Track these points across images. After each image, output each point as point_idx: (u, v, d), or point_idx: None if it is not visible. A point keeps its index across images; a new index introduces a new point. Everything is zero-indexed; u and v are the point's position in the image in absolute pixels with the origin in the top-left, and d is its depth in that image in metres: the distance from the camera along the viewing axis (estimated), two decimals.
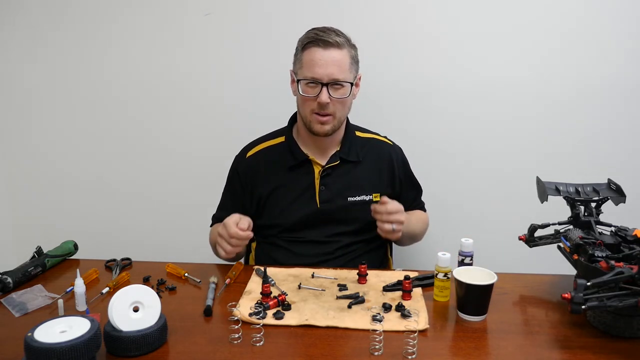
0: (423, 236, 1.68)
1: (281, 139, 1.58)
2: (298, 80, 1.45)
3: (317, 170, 1.53)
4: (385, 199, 1.40)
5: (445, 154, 1.97)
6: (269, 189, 1.54)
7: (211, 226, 1.65)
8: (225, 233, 1.37)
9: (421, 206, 1.71)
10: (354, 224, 1.53)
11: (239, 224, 1.36)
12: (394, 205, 1.39)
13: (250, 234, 1.37)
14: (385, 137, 1.66)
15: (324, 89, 1.41)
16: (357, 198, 1.53)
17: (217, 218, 1.63)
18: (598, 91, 1.87)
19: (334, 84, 1.42)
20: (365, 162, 1.56)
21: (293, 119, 1.60)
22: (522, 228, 1.42)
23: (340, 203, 1.52)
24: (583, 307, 0.98)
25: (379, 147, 1.61)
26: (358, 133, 1.61)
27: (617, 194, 1.32)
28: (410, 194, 1.66)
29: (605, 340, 1.08)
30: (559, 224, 1.36)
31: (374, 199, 1.54)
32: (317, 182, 1.52)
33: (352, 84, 1.45)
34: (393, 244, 1.74)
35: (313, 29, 1.46)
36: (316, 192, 1.51)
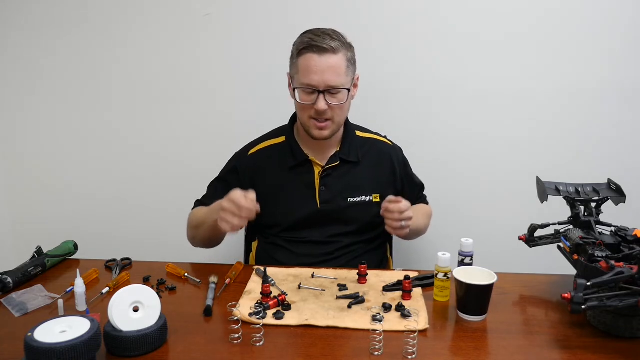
0: (427, 229, 1.67)
1: (282, 138, 1.58)
2: (294, 87, 1.44)
3: (317, 170, 1.53)
4: (396, 198, 1.34)
5: (445, 154, 1.97)
6: (270, 188, 1.53)
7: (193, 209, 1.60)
8: (232, 207, 1.27)
9: (423, 199, 1.71)
10: (354, 225, 1.53)
11: (248, 197, 1.28)
12: (405, 204, 1.34)
13: (258, 207, 1.30)
14: (385, 138, 1.66)
15: (321, 96, 1.40)
16: (357, 199, 1.53)
17: (202, 204, 1.58)
18: (598, 91, 1.87)
19: (331, 90, 1.40)
20: (365, 163, 1.56)
21: (294, 118, 1.60)
22: (522, 228, 1.42)
23: (340, 204, 1.52)
24: (583, 307, 0.98)
25: (379, 147, 1.61)
26: (358, 133, 1.61)
27: (617, 194, 1.32)
28: (412, 193, 1.66)
29: (605, 340, 1.08)
30: (559, 224, 1.36)
31: (374, 200, 1.54)
32: (317, 182, 1.52)
33: (348, 90, 1.43)
34: (394, 243, 1.74)
35: (308, 32, 1.44)
36: (316, 193, 1.51)
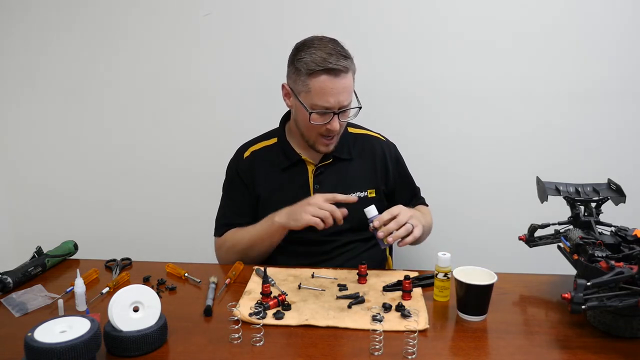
0: (431, 230, 1.64)
1: (274, 140, 1.59)
2: (306, 108, 1.40)
3: (310, 169, 1.53)
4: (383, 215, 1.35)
5: (445, 154, 1.97)
6: (265, 190, 1.54)
7: (219, 235, 1.57)
8: (328, 207, 1.34)
9: (422, 202, 1.70)
10: (350, 222, 1.52)
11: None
12: (396, 209, 1.34)
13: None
14: (379, 134, 1.66)
15: (335, 117, 1.41)
16: (352, 195, 1.52)
17: (227, 225, 1.56)
18: (598, 91, 1.87)
19: (343, 109, 1.42)
20: (357, 159, 1.57)
21: (284, 119, 1.60)
22: (522, 228, 1.42)
23: None
24: (583, 307, 0.98)
25: (371, 142, 1.61)
26: (350, 129, 1.61)
27: (617, 194, 1.32)
28: (407, 190, 1.65)
29: (605, 340, 1.08)
30: (559, 224, 1.36)
31: (369, 196, 1.54)
32: (311, 181, 1.53)
33: (360, 107, 1.45)
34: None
35: (312, 46, 1.38)
36: (310, 191, 1.52)
